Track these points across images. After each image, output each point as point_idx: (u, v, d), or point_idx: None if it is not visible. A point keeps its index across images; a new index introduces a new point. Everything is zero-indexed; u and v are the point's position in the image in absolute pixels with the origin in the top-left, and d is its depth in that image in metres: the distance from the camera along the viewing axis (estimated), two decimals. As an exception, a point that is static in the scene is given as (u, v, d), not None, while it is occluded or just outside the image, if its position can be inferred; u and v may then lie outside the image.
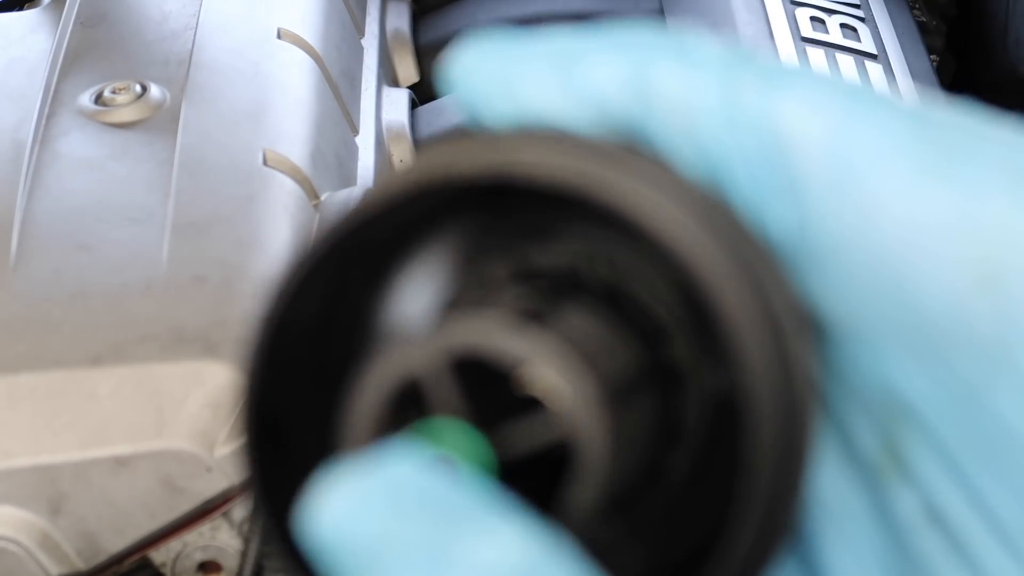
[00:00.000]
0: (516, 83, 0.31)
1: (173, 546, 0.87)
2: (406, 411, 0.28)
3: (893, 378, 0.29)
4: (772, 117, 0.29)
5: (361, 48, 1.17)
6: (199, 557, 0.88)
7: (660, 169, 0.29)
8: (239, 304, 0.84)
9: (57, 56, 1.02)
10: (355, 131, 1.08)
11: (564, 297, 0.31)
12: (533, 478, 0.29)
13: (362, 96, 1.12)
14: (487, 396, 0.29)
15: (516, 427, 0.28)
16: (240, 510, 0.86)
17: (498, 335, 0.28)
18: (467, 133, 0.31)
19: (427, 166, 0.29)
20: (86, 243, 0.87)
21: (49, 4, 1.11)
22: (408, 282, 0.33)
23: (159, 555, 0.88)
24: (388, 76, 1.20)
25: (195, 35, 1.03)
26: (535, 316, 0.29)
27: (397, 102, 1.15)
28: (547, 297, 0.30)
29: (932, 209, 0.27)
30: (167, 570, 0.88)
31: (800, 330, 0.28)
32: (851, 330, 0.29)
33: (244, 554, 0.86)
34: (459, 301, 0.32)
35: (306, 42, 1.05)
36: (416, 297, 0.33)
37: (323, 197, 0.94)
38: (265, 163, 0.93)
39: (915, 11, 1.29)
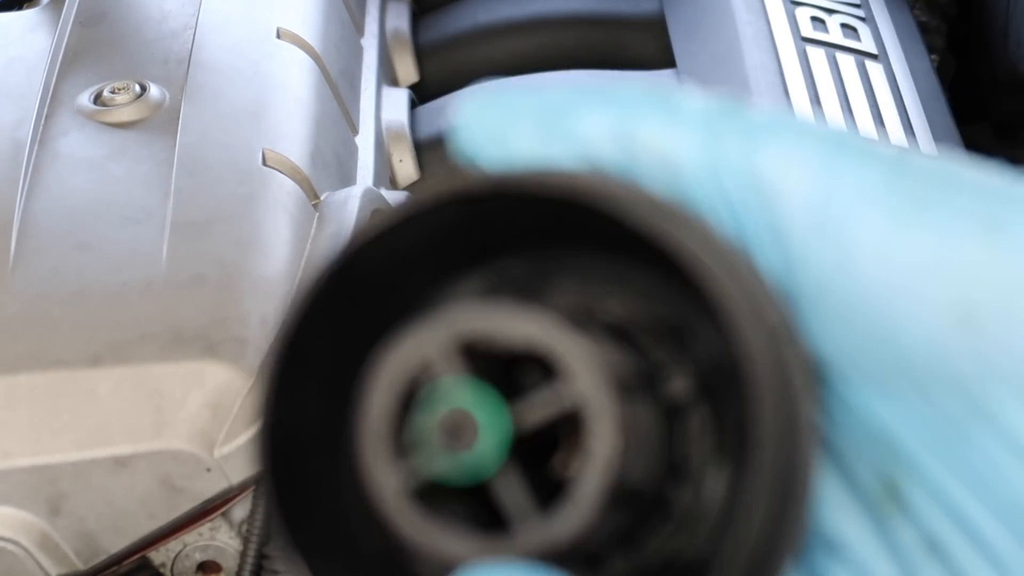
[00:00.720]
0: (509, 135, 0.33)
1: (173, 546, 0.87)
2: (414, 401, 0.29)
3: (883, 416, 0.30)
4: (754, 167, 0.30)
5: (361, 48, 1.17)
6: (199, 557, 0.88)
7: (670, 204, 0.30)
8: (239, 304, 0.84)
9: (56, 56, 1.02)
10: (355, 131, 1.08)
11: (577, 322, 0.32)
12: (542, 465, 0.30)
13: (362, 96, 1.12)
14: (495, 380, 0.29)
15: (526, 400, 0.29)
16: (240, 510, 0.86)
17: (502, 316, 0.29)
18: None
19: (477, 179, 0.30)
20: (85, 243, 0.87)
21: (48, 4, 1.10)
22: (418, 308, 0.34)
23: (159, 555, 0.87)
24: (388, 76, 1.20)
25: (194, 35, 1.03)
26: (537, 296, 0.31)
27: (397, 102, 1.15)
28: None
29: (909, 254, 0.28)
30: (167, 570, 0.88)
31: (806, 376, 0.29)
32: (841, 369, 0.30)
33: (243, 554, 0.86)
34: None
35: (306, 42, 1.05)
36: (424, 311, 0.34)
37: (323, 197, 0.94)
38: (265, 163, 0.92)
39: (915, 11, 1.29)
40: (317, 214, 0.93)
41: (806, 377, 0.29)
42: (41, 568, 0.82)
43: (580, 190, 0.29)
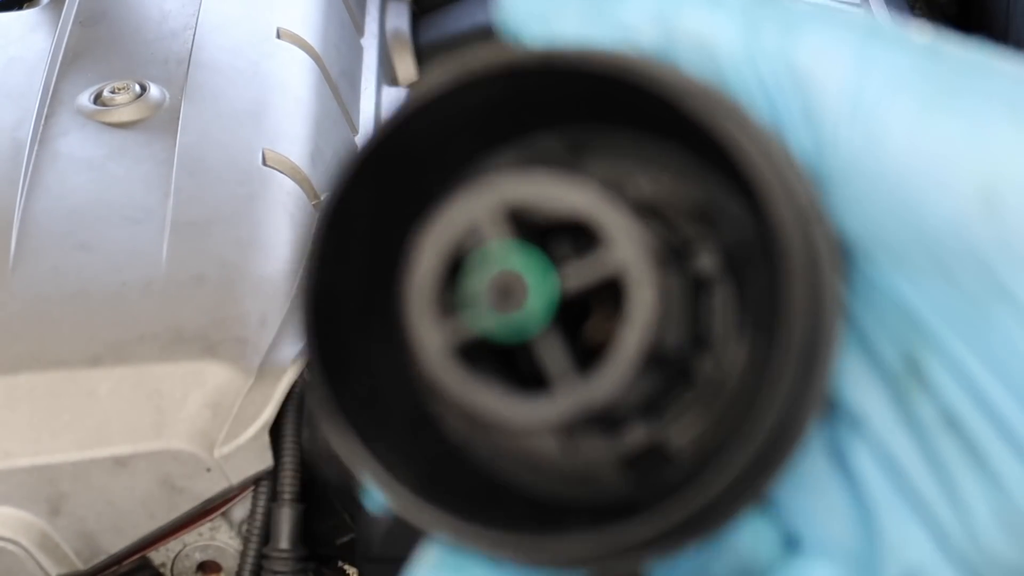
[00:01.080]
0: (553, 15, 0.34)
1: (172, 546, 0.87)
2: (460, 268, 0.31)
3: (907, 295, 0.31)
4: (789, 53, 0.31)
5: (361, 48, 1.17)
6: (199, 557, 0.88)
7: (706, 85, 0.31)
8: (239, 304, 0.84)
9: (56, 56, 1.02)
10: (355, 131, 1.08)
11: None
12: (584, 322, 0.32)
13: (362, 96, 1.12)
14: (540, 244, 0.31)
15: (572, 265, 0.30)
16: (240, 510, 0.86)
17: (549, 185, 0.30)
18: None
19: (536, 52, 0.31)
20: (85, 243, 0.87)
21: (48, 4, 1.10)
22: (459, 177, 0.35)
23: (158, 555, 0.87)
24: (388, 76, 1.20)
25: (194, 35, 1.03)
26: (580, 170, 0.32)
27: (397, 102, 1.15)
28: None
29: (937, 138, 0.29)
30: (167, 570, 0.88)
31: (833, 252, 0.31)
32: (868, 249, 0.31)
33: (243, 554, 0.86)
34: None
35: (306, 42, 1.05)
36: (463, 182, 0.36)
37: (323, 197, 0.94)
38: (265, 163, 0.93)
39: (915, 10, 1.29)
40: (317, 214, 0.93)
41: (833, 253, 0.30)
42: (41, 568, 0.82)
43: (624, 66, 0.30)
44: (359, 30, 1.19)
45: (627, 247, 0.29)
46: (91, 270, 0.85)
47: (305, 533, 0.86)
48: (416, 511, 0.30)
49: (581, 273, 0.30)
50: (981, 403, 0.30)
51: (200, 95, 0.97)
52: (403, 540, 0.80)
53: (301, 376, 0.85)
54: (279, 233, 0.89)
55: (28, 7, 1.15)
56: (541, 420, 0.29)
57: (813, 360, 0.29)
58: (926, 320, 0.30)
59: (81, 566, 0.83)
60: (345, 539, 0.90)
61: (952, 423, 0.30)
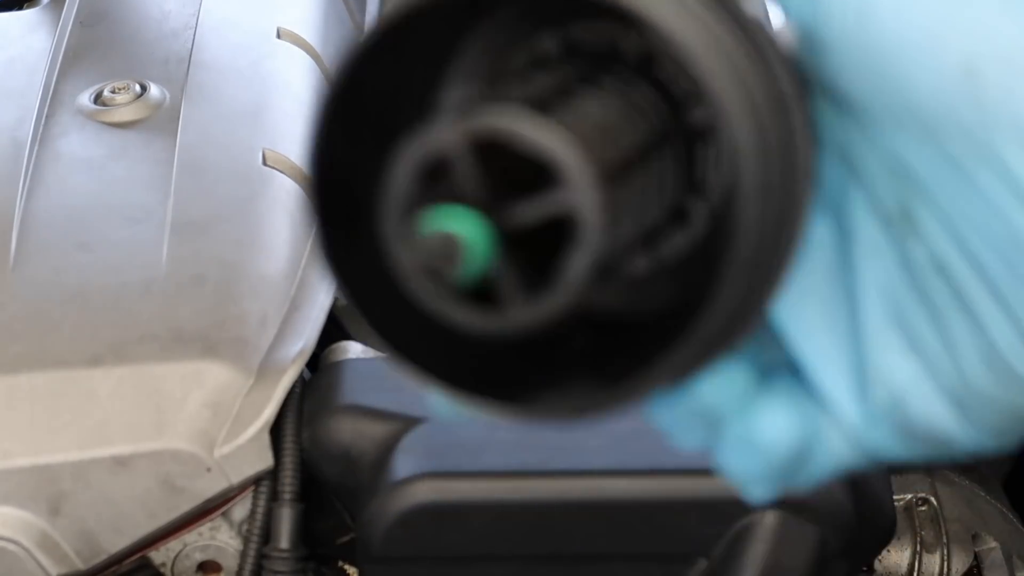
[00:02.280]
0: None
1: (173, 546, 0.87)
2: (438, 181, 0.33)
3: (901, 150, 0.33)
4: None
5: (361, 48, 1.17)
6: (199, 557, 0.88)
7: None
8: (239, 304, 0.84)
9: (56, 56, 1.02)
10: (355, 131, 1.08)
11: (590, 78, 0.36)
12: (542, 252, 0.34)
13: (362, 96, 1.12)
14: (504, 173, 0.33)
15: (522, 203, 0.32)
16: (240, 510, 0.86)
17: (514, 120, 0.32)
18: None
19: None
20: (86, 243, 0.87)
21: (48, 4, 1.11)
22: (453, 66, 0.38)
23: (159, 555, 0.88)
24: (388, 76, 1.21)
25: (195, 34, 1.03)
26: (549, 104, 0.34)
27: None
28: (569, 84, 0.35)
29: (924, 13, 0.31)
30: (167, 570, 0.88)
31: (783, 106, 0.32)
32: (866, 110, 0.33)
33: (244, 554, 0.86)
34: (493, 83, 0.37)
35: (306, 41, 1.05)
36: (459, 79, 0.38)
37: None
38: (265, 163, 0.93)
39: None
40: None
41: (807, 144, 0.32)
42: (41, 568, 0.82)
43: None
44: (359, 30, 1.19)
45: (578, 190, 0.31)
46: (91, 270, 0.85)
47: (305, 533, 0.86)
48: (416, 374, 0.34)
49: (529, 212, 0.32)
50: (967, 253, 0.32)
51: (200, 95, 0.97)
52: (403, 540, 0.81)
53: (301, 376, 0.85)
54: (279, 233, 0.89)
55: (28, 7, 1.15)
56: (496, 332, 0.32)
57: (786, 206, 0.32)
58: (917, 174, 0.33)
59: (81, 566, 0.83)
60: (345, 539, 0.90)
61: (941, 268, 0.33)
